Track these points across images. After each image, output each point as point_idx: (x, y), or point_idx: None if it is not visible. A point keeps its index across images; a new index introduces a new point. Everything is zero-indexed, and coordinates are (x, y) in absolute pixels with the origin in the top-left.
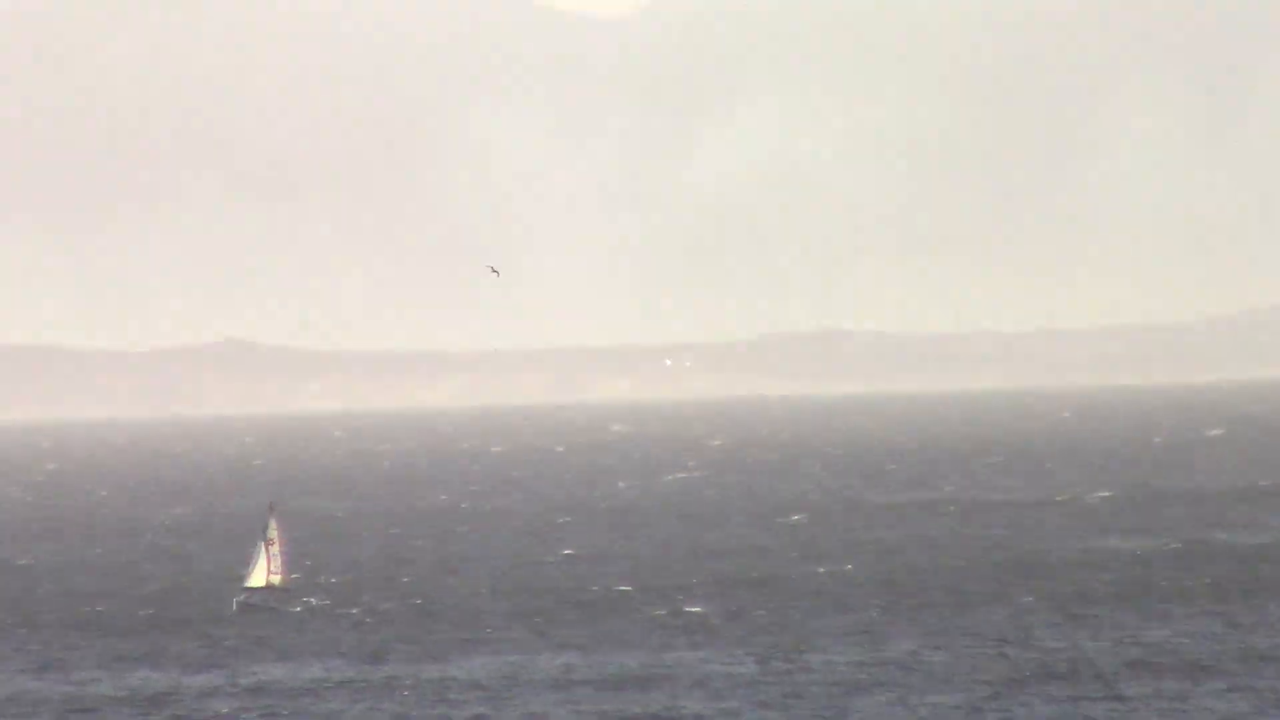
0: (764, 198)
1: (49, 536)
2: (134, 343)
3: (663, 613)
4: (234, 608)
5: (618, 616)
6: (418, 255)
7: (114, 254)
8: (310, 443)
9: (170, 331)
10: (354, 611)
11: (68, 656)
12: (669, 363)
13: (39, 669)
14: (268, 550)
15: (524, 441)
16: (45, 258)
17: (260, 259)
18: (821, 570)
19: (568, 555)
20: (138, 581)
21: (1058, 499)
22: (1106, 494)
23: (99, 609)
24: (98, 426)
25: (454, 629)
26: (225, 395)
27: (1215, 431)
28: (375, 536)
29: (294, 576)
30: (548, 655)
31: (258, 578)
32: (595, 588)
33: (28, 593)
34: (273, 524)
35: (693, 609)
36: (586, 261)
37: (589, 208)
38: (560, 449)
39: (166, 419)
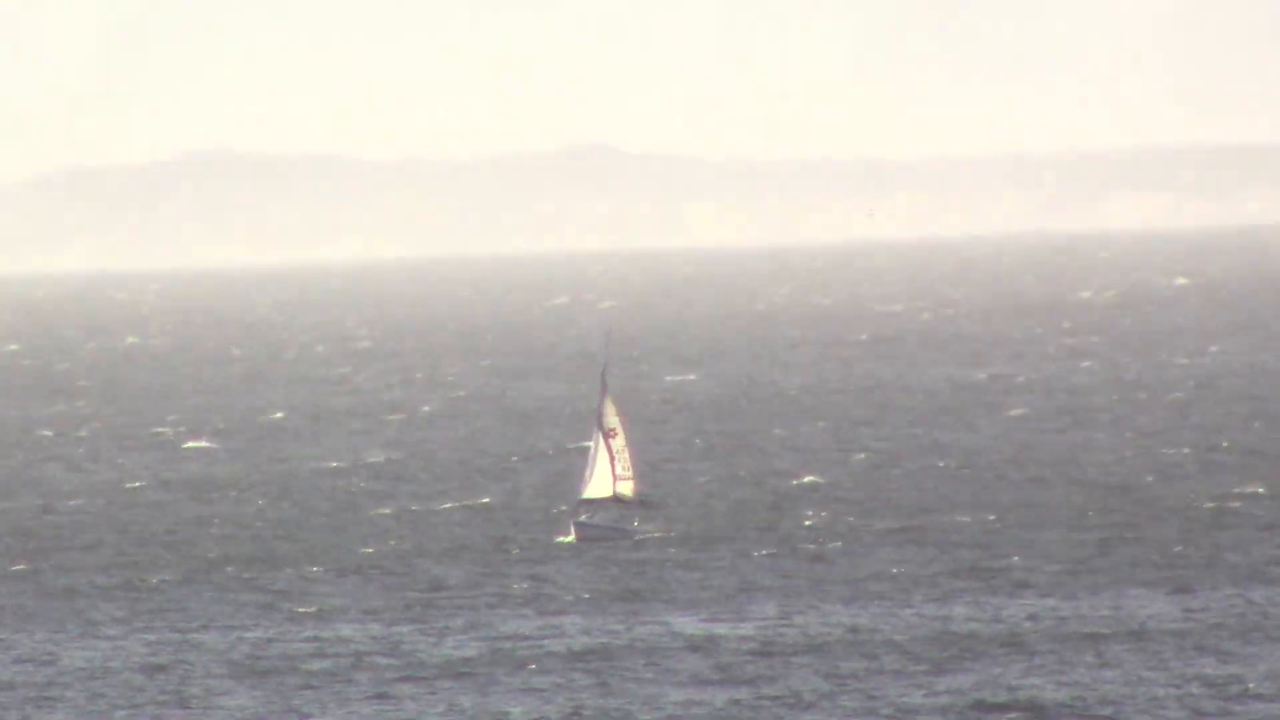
0: None
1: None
2: (447, 152)
3: None
4: (571, 534)
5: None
6: (842, 38)
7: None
8: (680, 283)
9: (502, 136)
10: (733, 550)
11: (352, 599)
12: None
13: (322, 616)
14: (608, 444)
15: (1021, 287)
16: (300, 57)
17: (624, 45)
18: None
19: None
20: (457, 486)
21: None
22: None
23: (395, 545)
24: (409, 263)
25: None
26: (577, 216)
27: None
28: (795, 417)
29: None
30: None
31: (600, 486)
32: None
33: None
34: (610, 406)
35: None
36: (1094, 39)
37: None
38: (1086, 294)
39: (494, 255)
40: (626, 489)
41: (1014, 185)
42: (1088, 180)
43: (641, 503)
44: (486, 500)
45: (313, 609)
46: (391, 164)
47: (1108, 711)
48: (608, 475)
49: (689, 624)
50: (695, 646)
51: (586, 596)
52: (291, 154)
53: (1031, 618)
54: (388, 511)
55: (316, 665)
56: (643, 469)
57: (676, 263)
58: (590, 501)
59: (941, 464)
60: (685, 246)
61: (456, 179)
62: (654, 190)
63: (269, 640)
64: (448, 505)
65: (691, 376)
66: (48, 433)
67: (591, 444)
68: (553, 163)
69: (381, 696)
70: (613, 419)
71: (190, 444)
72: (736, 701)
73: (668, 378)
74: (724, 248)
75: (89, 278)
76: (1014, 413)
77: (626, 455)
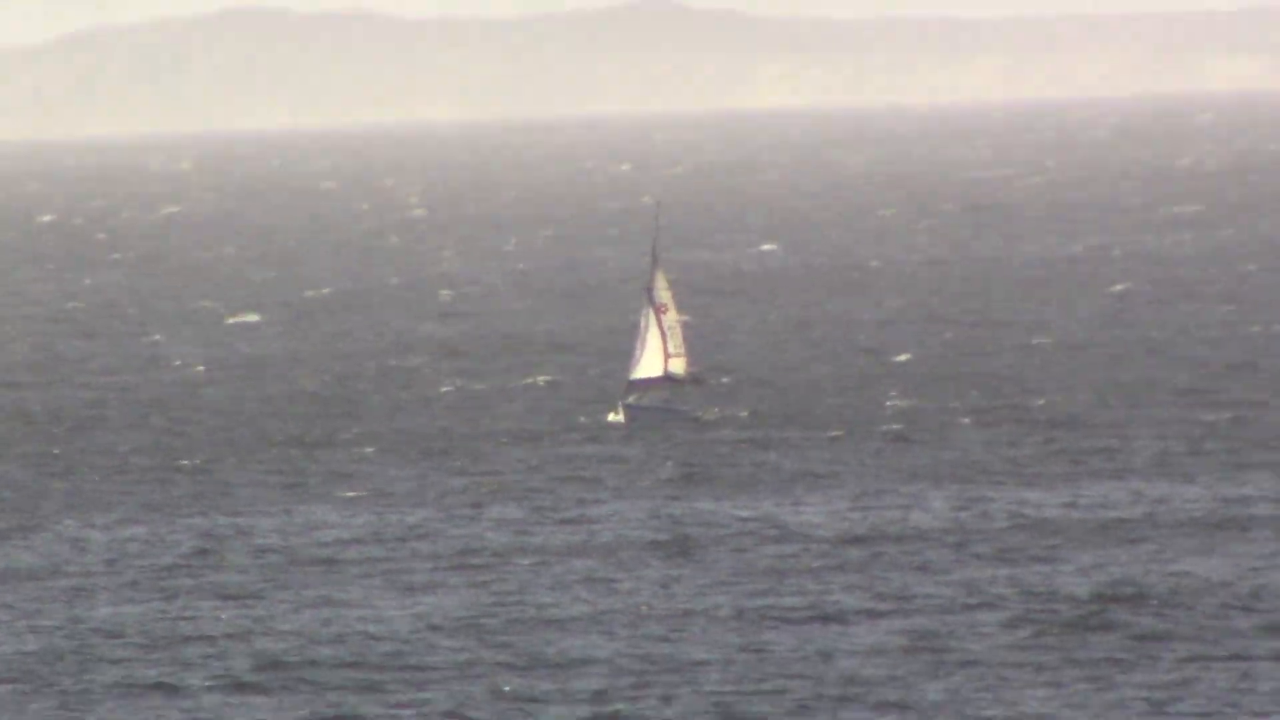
0: None
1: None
2: (499, 8)
3: None
4: (619, 413)
5: None
6: None
7: None
8: (752, 148)
9: None
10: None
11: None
12: None
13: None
14: (659, 320)
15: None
16: None
17: None
18: None
19: None
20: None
21: None
22: None
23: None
24: (436, 127)
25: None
26: (638, 78)
27: None
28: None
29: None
30: None
31: (650, 364)
32: None
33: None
34: (661, 279)
35: None
36: None
37: None
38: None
39: (549, 119)
40: (679, 367)
41: (1105, 46)
42: (1184, 41)
43: (695, 381)
44: (549, 379)
45: (364, 493)
46: (437, 20)
47: (1215, 601)
48: (659, 353)
49: (762, 509)
50: (768, 535)
51: (647, 483)
52: (331, 11)
53: (1133, 502)
54: (444, 390)
55: (368, 552)
56: (714, 345)
57: (746, 126)
58: (641, 381)
59: (1036, 341)
60: (754, 109)
61: (509, 37)
62: (721, 49)
63: (318, 526)
64: (507, 384)
65: (767, 247)
66: (82, 306)
67: (641, 320)
68: (611, 19)
69: (435, 586)
70: (664, 293)
71: (234, 319)
72: (812, 592)
73: (742, 249)
74: (796, 110)
75: (121, 143)
76: (1114, 288)
77: (679, 331)
